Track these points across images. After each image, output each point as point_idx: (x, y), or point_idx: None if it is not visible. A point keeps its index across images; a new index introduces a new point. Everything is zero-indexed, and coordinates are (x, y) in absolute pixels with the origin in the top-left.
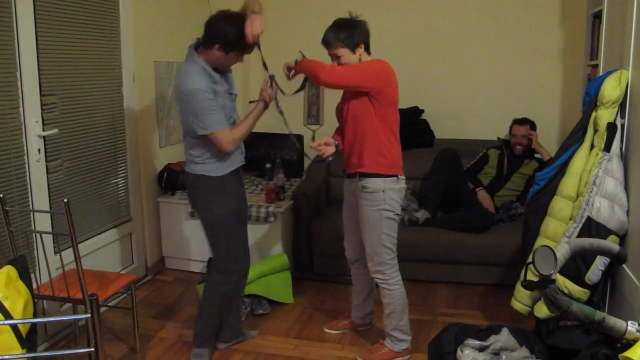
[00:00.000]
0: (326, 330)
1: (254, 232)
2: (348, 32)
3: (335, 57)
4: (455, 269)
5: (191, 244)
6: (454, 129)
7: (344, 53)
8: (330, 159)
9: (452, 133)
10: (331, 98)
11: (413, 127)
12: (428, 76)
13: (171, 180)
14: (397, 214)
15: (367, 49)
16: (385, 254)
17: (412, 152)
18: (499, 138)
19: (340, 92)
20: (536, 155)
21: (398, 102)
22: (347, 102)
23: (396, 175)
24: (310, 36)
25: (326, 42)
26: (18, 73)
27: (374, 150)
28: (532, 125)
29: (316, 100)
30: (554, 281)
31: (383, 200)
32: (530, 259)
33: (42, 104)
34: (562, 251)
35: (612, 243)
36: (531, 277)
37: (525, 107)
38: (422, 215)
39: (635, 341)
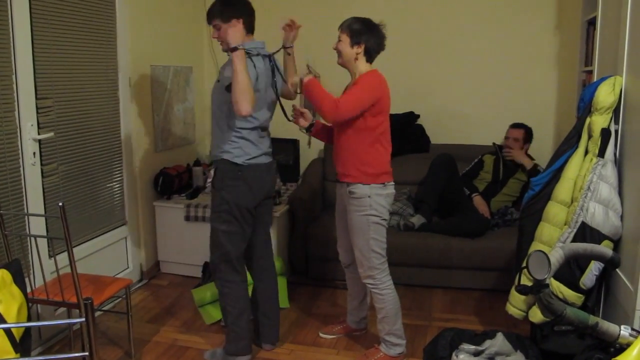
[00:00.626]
0: (321, 335)
1: None
2: (360, 28)
3: (338, 40)
4: (451, 273)
5: (187, 248)
6: (450, 135)
7: (344, 41)
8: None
9: (448, 138)
10: None
11: (409, 132)
12: (424, 81)
13: (167, 184)
14: (385, 219)
15: (368, 56)
16: (374, 259)
17: (408, 157)
18: (494, 143)
19: (336, 95)
20: (534, 162)
21: (390, 109)
22: None
23: (383, 182)
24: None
25: (341, 23)
26: (14, 76)
27: (359, 159)
28: (528, 131)
29: (310, 104)
30: (547, 286)
31: (369, 205)
32: (524, 264)
33: (37, 107)
34: (556, 256)
35: (605, 248)
36: (525, 281)
37: (521, 112)
38: (417, 220)
39: (628, 345)
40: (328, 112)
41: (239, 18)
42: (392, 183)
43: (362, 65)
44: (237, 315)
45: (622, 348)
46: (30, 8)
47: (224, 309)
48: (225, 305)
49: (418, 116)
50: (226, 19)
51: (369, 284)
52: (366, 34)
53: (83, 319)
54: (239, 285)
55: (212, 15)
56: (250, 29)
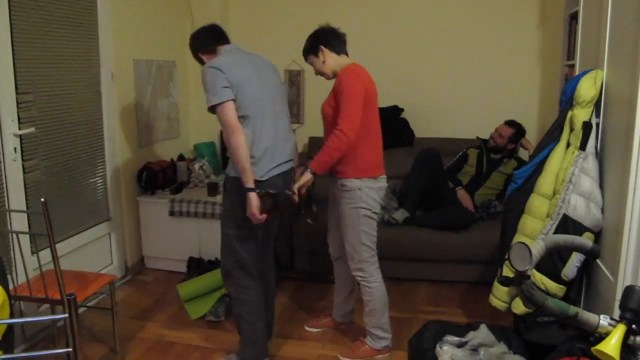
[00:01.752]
0: (307, 328)
1: None
2: (309, 42)
3: (313, 66)
4: (435, 267)
5: (171, 243)
6: (434, 128)
7: (313, 60)
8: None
9: (432, 132)
10: (312, 97)
11: (393, 126)
12: (408, 75)
13: (150, 179)
14: (375, 212)
15: (334, 49)
16: (364, 252)
17: (392, 151)
18: (477, 137)
19: (323, 92)
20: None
21: (376, 98)
22: (326, 104)
23: (375, 176)
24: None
25: (304, 57)
26: None
27: (352, 155)
28: (517, 132)
29: (297, 99)
30: (529, 277)
31: (360, 198)
32: (506, 256)
33: (18, 102)
34: (537, 247)
35: (585, 239)
36: (508, 273)
37: (504, 106)
38: (400, 215)
39: (607, 334)
40: (345, 148)
41: (206, 49)
42: (384, 176)
43: (336, 62)
44: (254, 321)
45: (602, 337)
46: (9, 1)
47: (239, 316)
48: (241, 312)
49: (402, 110)
50: (203, 51)
51: (358, 276)
52: (315, 40)
53: (66, 315)
54: (255, 290)
55: (198, 60)
56: (214, 45)
